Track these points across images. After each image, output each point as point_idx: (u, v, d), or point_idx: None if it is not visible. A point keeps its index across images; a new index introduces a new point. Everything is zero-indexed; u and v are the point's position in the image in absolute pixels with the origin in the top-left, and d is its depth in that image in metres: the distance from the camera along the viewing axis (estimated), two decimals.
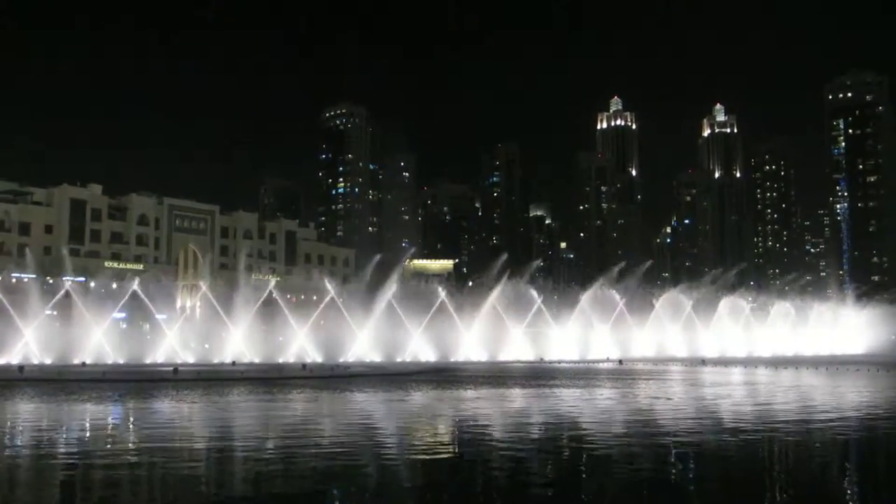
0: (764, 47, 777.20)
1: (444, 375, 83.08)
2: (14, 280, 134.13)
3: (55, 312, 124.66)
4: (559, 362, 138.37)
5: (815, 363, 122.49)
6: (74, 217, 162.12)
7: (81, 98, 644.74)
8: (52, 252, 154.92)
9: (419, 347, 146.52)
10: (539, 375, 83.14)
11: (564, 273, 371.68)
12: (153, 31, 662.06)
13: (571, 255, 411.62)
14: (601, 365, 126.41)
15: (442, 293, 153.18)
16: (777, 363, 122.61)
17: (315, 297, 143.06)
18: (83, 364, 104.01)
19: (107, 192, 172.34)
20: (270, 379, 73.60)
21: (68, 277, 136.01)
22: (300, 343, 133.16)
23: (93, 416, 41.13)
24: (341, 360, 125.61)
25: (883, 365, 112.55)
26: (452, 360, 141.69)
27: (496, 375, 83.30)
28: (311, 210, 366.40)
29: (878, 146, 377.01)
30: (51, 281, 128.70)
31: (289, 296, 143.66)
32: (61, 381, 66.88)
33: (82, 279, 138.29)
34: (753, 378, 78.35)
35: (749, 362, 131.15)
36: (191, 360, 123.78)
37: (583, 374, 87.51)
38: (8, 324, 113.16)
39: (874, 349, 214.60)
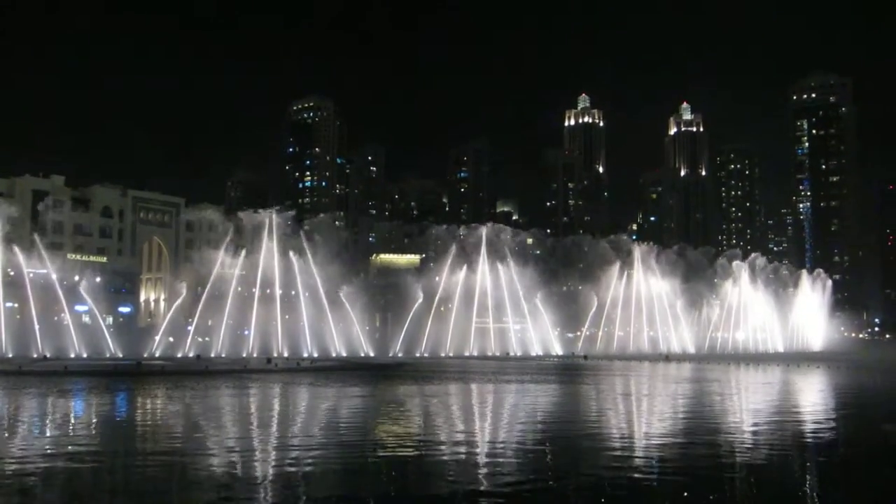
0: (731, 48, 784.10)
1: (408, 370, 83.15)
2: None
3: (16, 305, 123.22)
4: (524, 358, 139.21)
5: (775, 359, 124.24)
6: (37, 208, 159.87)
7: (45, 89, 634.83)
8: (14, 243, 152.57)
9: (386, 342, 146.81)
10: (503, 371, 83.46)
11: (531, 269, 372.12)
12: (120, 26, 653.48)
13: (538, 252, 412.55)
14: (562, 361, 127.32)
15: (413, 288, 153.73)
16: (738, 359, 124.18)
17: (281, 291, 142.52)
18: (45, 357, 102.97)
19: (70, 183, 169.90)
20: (235, 373, 73.37)
21: (30, 269, 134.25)
22: (266, 337, 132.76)
23: (51, 410, 40.84)
24: (306, 354, 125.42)
25: (839, 362, 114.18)
26: (417, 354, 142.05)
27: (462, 371, 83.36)
28: (278, 203, 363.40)
29: (840, 147, 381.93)
30: (11, 273, 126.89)
31: (254, 289, 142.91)
32: (22, 375, 66.19)
33: (44, 271, 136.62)
34: (703, 375, 79.30)
35: (710, 358, 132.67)
36: (156, 353, 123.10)
37: (549, 371, 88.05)
38: None
39: (832, 346, 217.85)
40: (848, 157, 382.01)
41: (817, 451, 29.26)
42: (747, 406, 47.35)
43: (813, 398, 54.57)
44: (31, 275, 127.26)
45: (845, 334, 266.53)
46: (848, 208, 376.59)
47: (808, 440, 31.91)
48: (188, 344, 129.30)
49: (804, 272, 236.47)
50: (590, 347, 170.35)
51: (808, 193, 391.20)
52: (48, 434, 31.63)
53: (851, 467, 25.94)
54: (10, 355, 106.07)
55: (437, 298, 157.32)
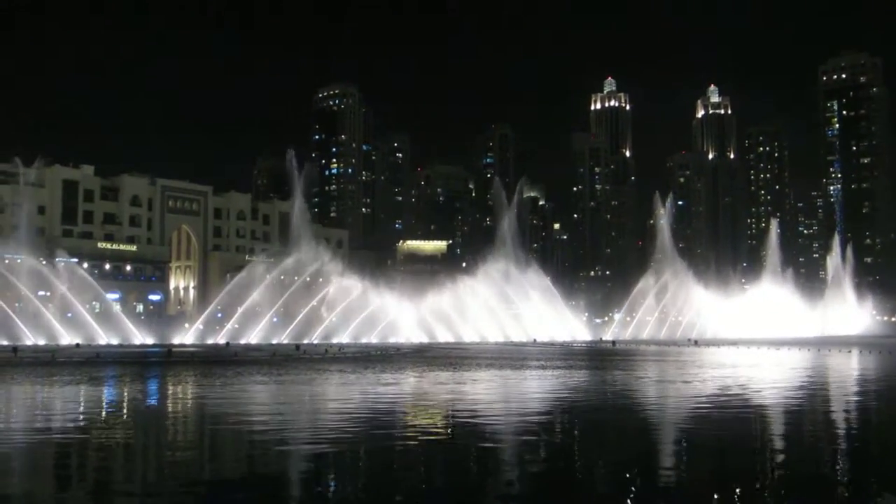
0: (758, 28, 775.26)
1: (436, 356, 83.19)
2: (7, 261, 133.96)
3: (48, 293, 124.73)
4: (551, 344, 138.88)
5: (806, 344, 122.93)
6: (67, 198, 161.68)
7: (73, 78, 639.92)
8: (45, 233, 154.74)
9: (412, 329, 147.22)
10: (532, 357, 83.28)
11: (558, 254, 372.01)
12: (143, 14, 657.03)
13: (565, 237, 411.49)
14: (590, 347, 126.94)
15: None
16: (768, 344, 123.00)
17: (308, 279, 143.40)
18: (77, 345, 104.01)
19: (99, 172, 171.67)
20: (263, 360, 73.72)
21: (61, 258, 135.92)
22: (295, 324, 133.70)
23: (85, 398, 41.18)
24: (335, 340, 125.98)
25: (872, 346, 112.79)
26: (443, 340, 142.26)
27: (493, 357, 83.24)
28: (304, 191, 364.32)
29: (871, 128, 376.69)
30: (44, 262, 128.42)
31: (282, 277, 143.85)
32: (56, 363, 66.90)
33: (75, 260, 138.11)
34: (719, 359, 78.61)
35: (739, 343, 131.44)
36: (186, 341, 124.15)
37: (579, 356, 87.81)
38: (1, 305, 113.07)
39: (870, 330, 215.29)
40: (879, 138, 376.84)
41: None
42: (805, 393, 46.13)
43: (863, 382, 53.54)
44: (63, 264, 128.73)
45: (877, 318, 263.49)
46: (880, 190, 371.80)
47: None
48: (217, 331, 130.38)
49: (834, 256, 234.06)
50: (618, 333, 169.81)
51: (839, 175, 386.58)
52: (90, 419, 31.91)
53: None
54: (42, 343, 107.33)
55: (462, 284, 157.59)
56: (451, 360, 75.29)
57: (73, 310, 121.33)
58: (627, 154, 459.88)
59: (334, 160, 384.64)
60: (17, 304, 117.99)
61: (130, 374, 55.37)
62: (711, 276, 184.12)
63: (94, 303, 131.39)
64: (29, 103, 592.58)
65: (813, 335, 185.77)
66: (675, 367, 66.35)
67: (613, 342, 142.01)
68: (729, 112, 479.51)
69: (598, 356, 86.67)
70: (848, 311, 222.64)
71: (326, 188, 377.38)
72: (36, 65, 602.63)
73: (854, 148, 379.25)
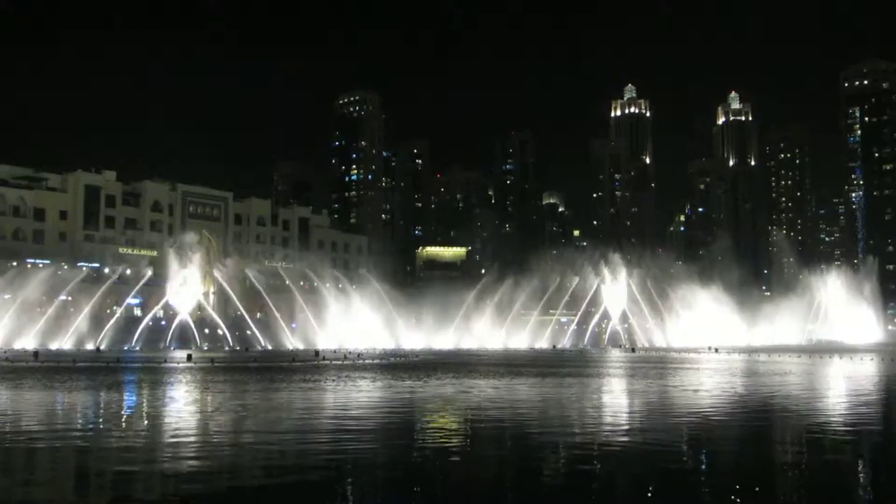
0: (779, 35, 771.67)
1: (460, 364, 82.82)
2: (29, 266, 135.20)
3: (70, 298, 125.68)
4: (571, 350, 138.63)
5: (826, 351, 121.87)
6: (89, 203, 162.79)
7: (94, 82, 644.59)
8: (67, 238, 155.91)
9: (433, 336, 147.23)
10: (553, 364, 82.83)
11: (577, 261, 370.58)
12: (162, 23, 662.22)
13: (585, 244, 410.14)
14: (614, 353, 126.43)
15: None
16: (789, 351, 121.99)
17: (328, 285, 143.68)
18: (98, 350, 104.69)
19: (121, 178, 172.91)
20: (285, 366, 73.68)
21: (83, 263, 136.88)
22: (315, 330, 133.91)
23: (102, 405, 41.25)
24: (352, 347, 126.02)
25: (891, 354, 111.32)
26: (465, 347, 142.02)
27: (510, 364, 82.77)
28: (324, 197, 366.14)
29: (893, 134, 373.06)
30: (66, 267, 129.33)
31: (302, 283, 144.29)
32: (76, 368, 67.19)
33: (97, 265, 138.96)
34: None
35: (760, 350, 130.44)
36: (204, 346, 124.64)
37: (603, 364, 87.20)
38: (24, 309, 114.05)
39: (886, 337, 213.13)
40: None
41: None
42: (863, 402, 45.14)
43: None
44: (85, 269, 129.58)
45: None
46: None
47: None
48: (235, 336, 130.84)
49: (856, 263, 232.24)
50: (636, 339, 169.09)
51: (861, 182, 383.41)
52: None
53: None
54: (66, 348, 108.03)
55: (482, 291, 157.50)
56: (486, 367, 74.63)
57: (94, 315, 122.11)
58: (647, 160, 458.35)
59: (354, 166, 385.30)
60: (38, 309, 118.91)
61: (149, 380, 55.39)
62: (732, 282, 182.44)
63: (114, 308, 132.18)
64: (51, 109, 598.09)
65: (835, 342, 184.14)
66: (708, 376, 65.69)
67: (633, 349, 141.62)
68: (750, 118, 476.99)
69: (624, 364, 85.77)
70: (869, 319, 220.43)
71: (346, 194, 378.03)
72: (58, 71, 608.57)
73: (876, 154, 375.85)
